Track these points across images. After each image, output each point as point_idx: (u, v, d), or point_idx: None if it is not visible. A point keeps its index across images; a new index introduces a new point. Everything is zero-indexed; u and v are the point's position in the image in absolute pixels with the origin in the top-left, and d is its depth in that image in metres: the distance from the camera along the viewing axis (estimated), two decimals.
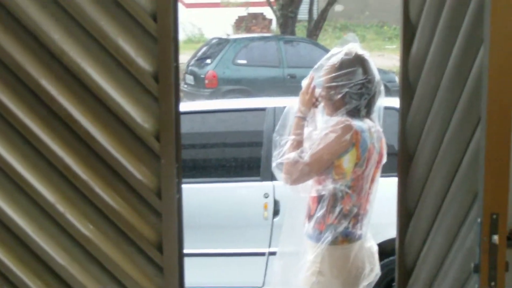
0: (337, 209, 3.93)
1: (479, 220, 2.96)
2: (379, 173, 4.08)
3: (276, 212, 5.65)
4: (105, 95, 3.13)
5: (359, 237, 4.00)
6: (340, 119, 3.91)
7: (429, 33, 3.36)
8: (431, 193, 3.39)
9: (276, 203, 5.66)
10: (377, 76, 4.05)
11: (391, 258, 5.29)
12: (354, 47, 4.05)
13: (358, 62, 4.00)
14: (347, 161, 3.89)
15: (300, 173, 3.92)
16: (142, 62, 3.13)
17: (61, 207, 3.20)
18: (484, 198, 2.95)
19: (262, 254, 5.60)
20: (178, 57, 3.25)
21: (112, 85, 3.14)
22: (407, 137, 3.50)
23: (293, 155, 3.94)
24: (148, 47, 3.12)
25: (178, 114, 3.24)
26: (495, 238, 2.93)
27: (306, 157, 3.90)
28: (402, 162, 3.54)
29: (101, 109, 3.15)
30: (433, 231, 3.40)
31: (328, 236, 3.94)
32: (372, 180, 4.03)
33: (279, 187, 5.60)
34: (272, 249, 5.58)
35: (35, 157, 3.18)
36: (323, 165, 3.90)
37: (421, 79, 3.43)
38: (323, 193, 3.94)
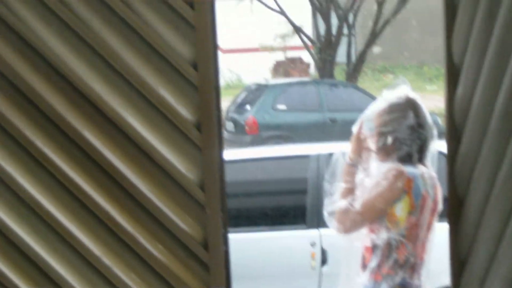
0: (392, 259, 3.85)
1: None
2: (435, 220, 3.98)
3: (323, 261, 5.57)
4: (147, 145, 3.12)
5: None
6: (391, 165, 3.84)
7: (474, 74, 3.30)
8: (484, 239, 3.30)
9: (323, 252, 5.59)
10: (429, 120, 3.97)
11: None
12: (404, 90, 3.98)
13: (409, 105, 3.93)
14: (400, 209, 3.81)
15: (352, 222, 3.86)
16: (184, 111, 3.12)
17: (107, 260, 3.17)
18: None
19: None
20: (220, 106, 3.23)
21: (154, 135, 3.12)
22: (457, 182, 3.42)
23: (343, 203, 3.88)
24: (190, 96, 3.12)
25: (222, 163, 3.21)
26: None
27: (358, 205, 3.84)
28: (452, 208, 3.45)
29: (144, 159, 3.13)
30: (489, 280, 3.30)
31: (384, 286, 3.85)
32: (428, 228, 3.93)
33: (326, 235, 5.52)
34: None
35: (80, 210, 3.16)
36: (375, 213, 3.83)
37: (468, 122, 3.36)
38: (377, 242, 3.86)
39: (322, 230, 5.52)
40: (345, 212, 3.86)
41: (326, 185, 4.06)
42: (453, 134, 3.45)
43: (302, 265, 5.60)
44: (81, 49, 3.10)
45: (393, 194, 3.81)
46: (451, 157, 3.46)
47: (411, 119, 3.89)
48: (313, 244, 5.59)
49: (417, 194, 3.84)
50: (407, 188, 3.82)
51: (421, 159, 3.95)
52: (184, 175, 3.13)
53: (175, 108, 3.11)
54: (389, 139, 3.89)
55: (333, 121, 16.26)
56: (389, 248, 3.85)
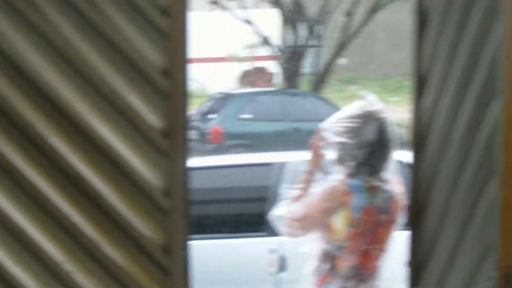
0: (332, 268, 3.88)
1: (493, 274, 2.92)
2: (388, 232, 3.95)
3: (283, 268, 5.62)
4: (114, 152, 3.14)
5: None
6: (335, 177, 3.87)
7: (440, 86, 3.36)
8: (443, 246, 3.36)
9: (282, 259, 5.64)
10: (391, 134, 3.92)
11: None
12: (368, 103, 3.97)
13: (368, 118, 3.90)
14: (338, 222, 3.83)
15: (290, 228, 3.92)
16: (152, 118, 3.14)
17: (69, 266, 3.18)
18: (499, 252, 2.91)
19: None
20: (188, 114, 3.24)
21: (122, 142, 3.14)
22: (419, 190, 3.48)
23: (285, 209, 3.92)
24: (158, 104, 3.13)
25: (187, 170, 3.23)
26: None
27: (297, 212, 3.88)
28: (413, 215, 3.52)
29: (111, 166, 3.15)
30: (445, 285, 3.36)
31: None
32: (379, 241, 3.92)
33: (286, 242, 5.59)
34: None
35: (42, 215, 3.16)
36: (313, 222, 3.88)
37: (432, 132, 3.43)
38: (316, 251, 3.90)
39: (282, 238, 5.59)
40: (285, 217, 3.92)
41: (282, 191, 4.09)
42: (417, 144, 3.51)
43: (261, 271, 5.65)
44: (50, 54, 3.10)
45: (329, 206, 3.84)
46: (415, 166, 3.52)
47: (369, 131, 3.88)
48: (272, 251, 5.65)
49: (357, 207, 3.83)
50: (344, 202, 3.84)
51: (376, 172, 3.92)
52: (149, 182, 3.16)
53: (143, 115, 3.13)
54: (343, 150, 3.90)
55: (297, 130, 16.31)
56: (328, 257, 3.89)
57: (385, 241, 3.96)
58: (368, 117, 3.89)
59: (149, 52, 3.12)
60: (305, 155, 4.14)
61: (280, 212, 3.98)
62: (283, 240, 5.61)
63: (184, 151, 3.18)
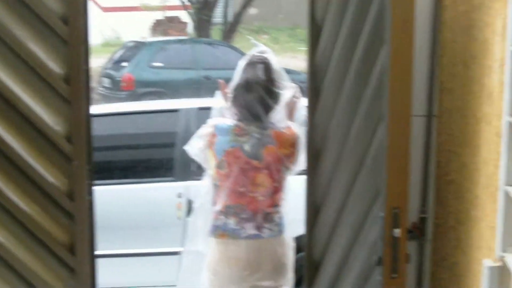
0: (214, 204, 4.02)
1: (381, 214, 3.06)
2: (271, 178, 3.96)
3: (189, 212, 5.70)
4: (16, 98, 3.14)
5: (250, 237, 3.97)
6: (214, 119, 4.03)
7: (333, 34, 3.45)
8: (337, 189, 3.48)
9: (189, 203, 5.71)
10: (276, 81, 3.98)
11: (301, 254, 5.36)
12: (256, 51, 4.06)
13: (247, 65, 4.00)
14: (209, 161, 4.02)
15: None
16: (53, 65, 3.15)
17: None
18: (386, 193, 3.05)
19: (176, 253, 5.63)
20: (89, 60, 3.25)
21: (22, 89, 3.15)
22: (314, 135, 3.58)
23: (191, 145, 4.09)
24: (59, 51, 3.15)
25: (89, 116, 3.26)
26: (397, 231, 3.04)
27: (191, 148, 4.07)
28: (309, 160, 3.62)
29: (12, 112, 3.16)
30: (339, 226, 3.49)
31: (211, 228, 4.02)
32: (255, 184, 3.95)
33: (193, 187, 5.67)
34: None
35: None
36: (199, 159, 4.06)
37: (326, 79, 3.51)
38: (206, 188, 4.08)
39: (189, 182, 5.67)
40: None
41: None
42: (313, 90, 3.60)
43: (169, 215, 5.71)
44: None
45: (202, 145, 4.01)
46: (311, 112, 3.61)
47: (247, 77, 3.95)
48: (179, 196, 5.71)
49: (219, 149, 3.95)
50: (209, 143, 3.98)
51: (256, 117, 3.94)
52: (51, 128, 3.18)
53: (44, 61, 3.14)
54: (229, 96, 4.00)
55: (208, 78, 16.33)
56: (213, 194, 4.04)
57: (267, 185, 3.98)
58: (248, 64, 3.99)
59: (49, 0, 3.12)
60: (212, 101, 4.19)
61: (187, 147, 4.09)
62: (190, 184, 5.70)
63: (86, 98, 3.20)
